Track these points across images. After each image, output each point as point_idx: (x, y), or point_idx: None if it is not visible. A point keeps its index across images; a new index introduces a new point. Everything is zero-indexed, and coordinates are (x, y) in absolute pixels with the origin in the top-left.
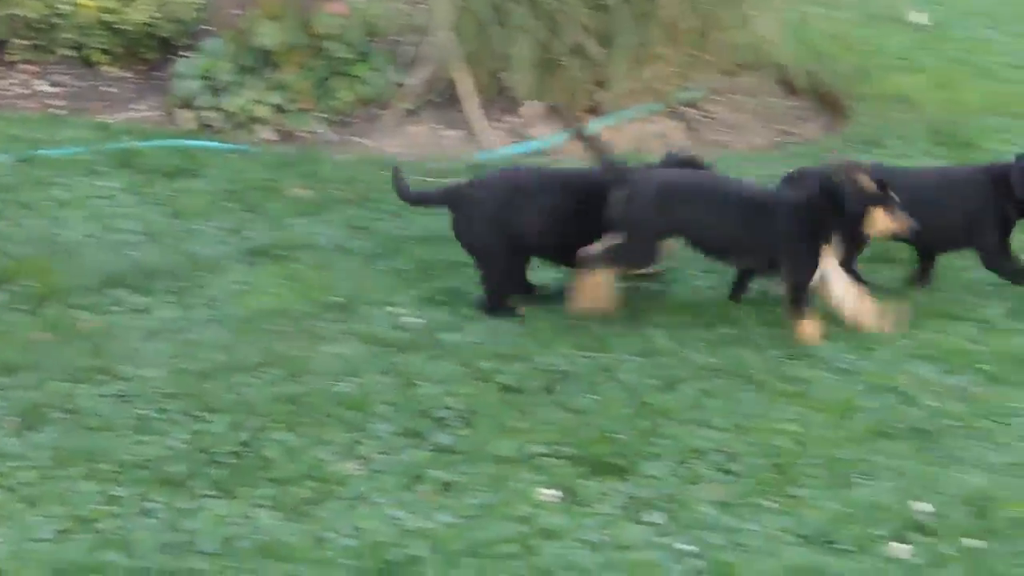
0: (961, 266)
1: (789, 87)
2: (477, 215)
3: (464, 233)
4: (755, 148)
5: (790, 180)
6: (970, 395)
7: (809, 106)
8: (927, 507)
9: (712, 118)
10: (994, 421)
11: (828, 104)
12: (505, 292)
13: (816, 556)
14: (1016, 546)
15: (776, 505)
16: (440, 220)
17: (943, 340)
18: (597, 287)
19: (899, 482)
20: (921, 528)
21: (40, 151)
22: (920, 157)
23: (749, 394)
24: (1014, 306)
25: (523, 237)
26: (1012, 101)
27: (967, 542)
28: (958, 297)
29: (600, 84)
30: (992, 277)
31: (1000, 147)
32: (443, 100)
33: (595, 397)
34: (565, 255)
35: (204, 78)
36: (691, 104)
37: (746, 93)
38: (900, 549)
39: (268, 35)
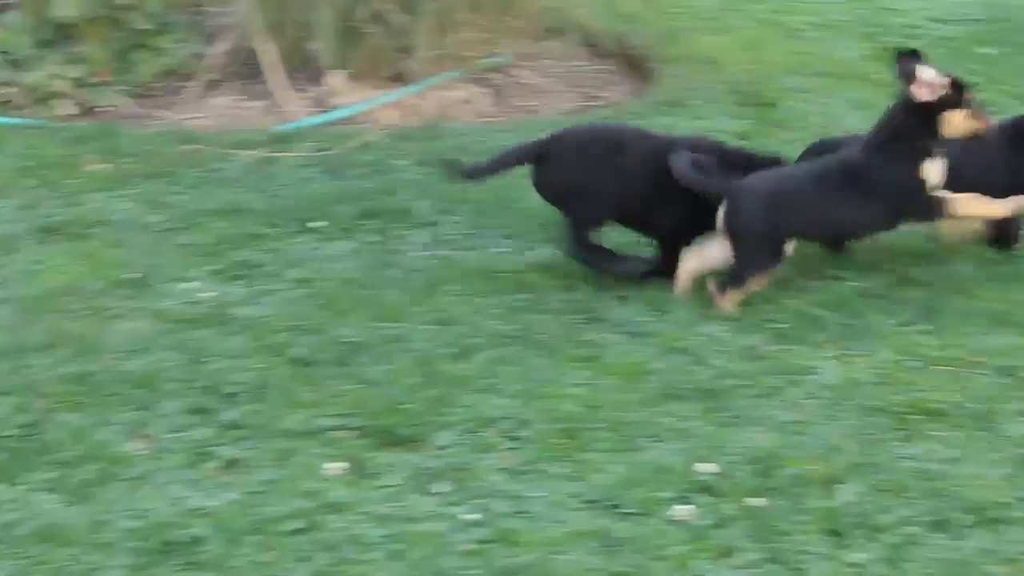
0: None
1: (596, 51)
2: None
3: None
4: (562, 113)
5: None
6: (761, 354)
7: (616, 70)
8: (712, 468)
9: (519, 83)
10: (783, 379)
11: (635, 67)
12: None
13: (601, 521)
14: (797, 502)
15: (564, 471)
16: (238, 194)
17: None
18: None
19: (686, 443)
20: (706, 489)
21: None
22: (721, 118)
23: (542, 360)
24: (807, 264)
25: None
26: (815, 61)
27: (750, 501)
28: None
29: (404, 51)
30: None
31: (801, 106)
32: (246, 71)
33: (387, 367)
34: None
35: (2, 52)
36: (497, 70)
37: (553, 58)
38: (684, 511)
39: (66, 7)
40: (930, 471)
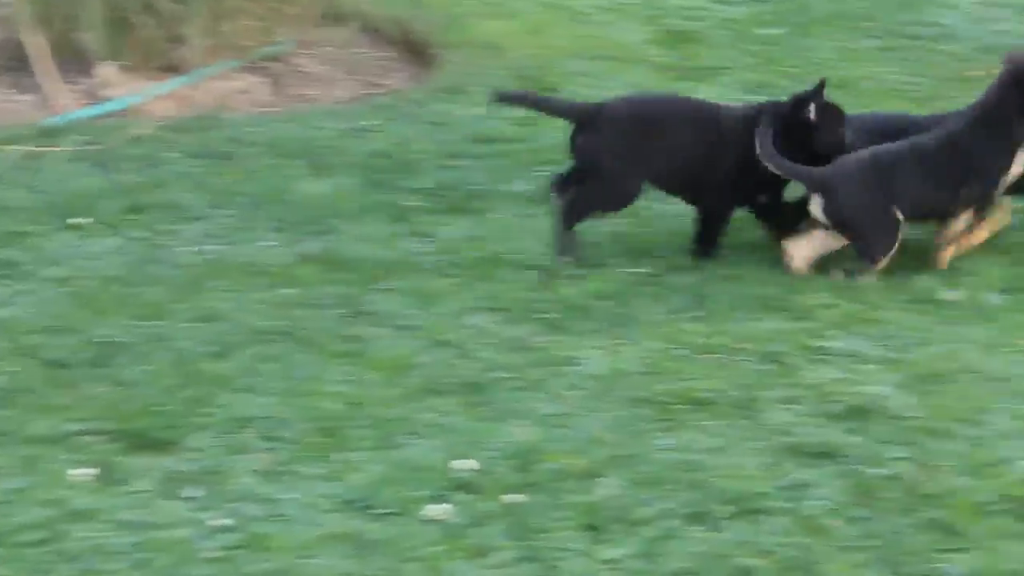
0: (529, 214)
1: (377, 37)
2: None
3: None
4: (340, 101)
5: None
6: (527, 345)
7: (397, 56)
8: (472, 464)
9: (298, 72)
10: (548, 371)
11: (416, 54)
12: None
13: (354, 522)
14: (555, 497)
15: (320, 471)
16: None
17: (505, 290)
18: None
19: (445, 440)
20: (463, 486)
21: None
22: (501, 105)
23: (306, 357)
24: (578, 253)
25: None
26: (598, 44)
27: (508, 498)
28: (522, 247)
29: (178, 41)
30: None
31: (582, 90)
32: (15, 64)
33: (145, 368)
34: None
35: None
36: (276, 59)
37: (333, 45)
38: (439, 510)
39: None
40: (691, 462)
